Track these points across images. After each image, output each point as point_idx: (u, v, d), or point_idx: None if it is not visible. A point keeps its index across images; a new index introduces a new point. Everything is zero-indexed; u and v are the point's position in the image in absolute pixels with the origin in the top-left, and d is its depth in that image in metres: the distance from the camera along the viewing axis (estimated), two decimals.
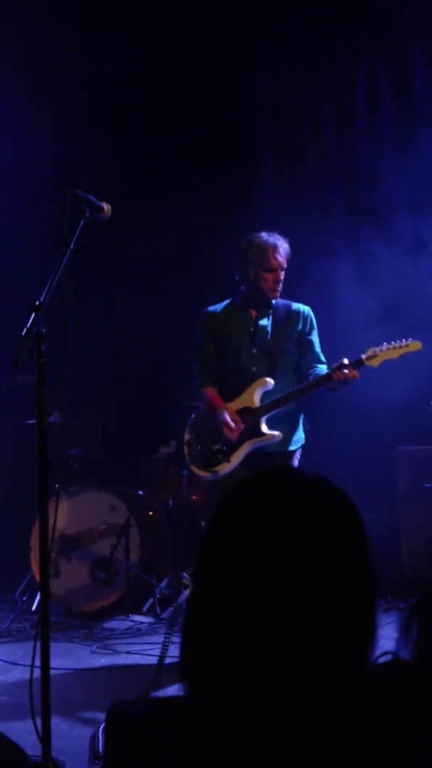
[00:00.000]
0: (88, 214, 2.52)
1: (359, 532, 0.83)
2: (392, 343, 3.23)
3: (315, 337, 3.46)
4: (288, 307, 3.45)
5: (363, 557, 0.82)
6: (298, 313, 3.45)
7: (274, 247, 3.33)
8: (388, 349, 3.23)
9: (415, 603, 0.64)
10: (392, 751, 0.63)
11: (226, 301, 3.54)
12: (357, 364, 3.19)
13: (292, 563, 0.78)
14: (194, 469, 3.41)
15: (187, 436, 3.47)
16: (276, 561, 0.78)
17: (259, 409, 3.29)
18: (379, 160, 4.85)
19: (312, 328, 3.46)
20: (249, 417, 3.28)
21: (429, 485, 4.14)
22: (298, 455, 3.43)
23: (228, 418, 3.26)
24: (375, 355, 3.21)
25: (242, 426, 3.28)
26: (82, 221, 2.44)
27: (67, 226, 2.40)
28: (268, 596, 0.77)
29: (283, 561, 0.78)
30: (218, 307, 3.54)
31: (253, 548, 0.79)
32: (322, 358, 3.43)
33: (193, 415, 3.51)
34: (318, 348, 3.45)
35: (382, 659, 0.84)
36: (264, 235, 3.39)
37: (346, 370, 3.14)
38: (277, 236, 3.39)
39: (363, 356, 3.21)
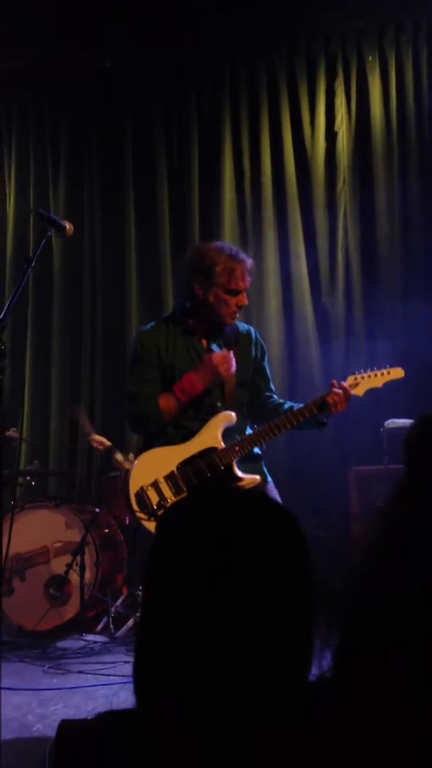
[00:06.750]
0: (50, 233, 2.56)
1: (301, 550, 0.87)
2: (373, 370, 2.85)
3: (267, 363, 2.98)
4: (236, 329, 2.89)
5: (304, 575, 0.85)
6: (249, 336, 2.91)
7: (242, 265, 2.73)
8: (370, 376, 2.83)
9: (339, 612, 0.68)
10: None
11: (155, 322, 2.90)
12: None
13: (234, 580, 0.81)
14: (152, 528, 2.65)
15: (135, 486, 2.69)
16: (219, 578, 0.81)
17: (227, 451, 2.70)
18: None
19: (264, 352, 2.96)
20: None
21: (381, 504, 4.21)
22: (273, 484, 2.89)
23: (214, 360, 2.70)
24: (357, 383, 2.81)
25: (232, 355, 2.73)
26: (44, 240, 2.47)
27: (33, 244, 2.42)
28: (212, 611, 0.80)
29: (225, 578, 0.81)
30: (153, 327, 2.86)
31: (197, 566, 0.82)
32: (273, 387, 2.99)
33: (136, 462, 2.75)
34: (270, 375, 2.98)
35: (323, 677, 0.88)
36: (225, 247, 2.79)
37: (338, 389, 2.71)
38: (239, 250, 2.79)
39: (345, 384, 2.78)
